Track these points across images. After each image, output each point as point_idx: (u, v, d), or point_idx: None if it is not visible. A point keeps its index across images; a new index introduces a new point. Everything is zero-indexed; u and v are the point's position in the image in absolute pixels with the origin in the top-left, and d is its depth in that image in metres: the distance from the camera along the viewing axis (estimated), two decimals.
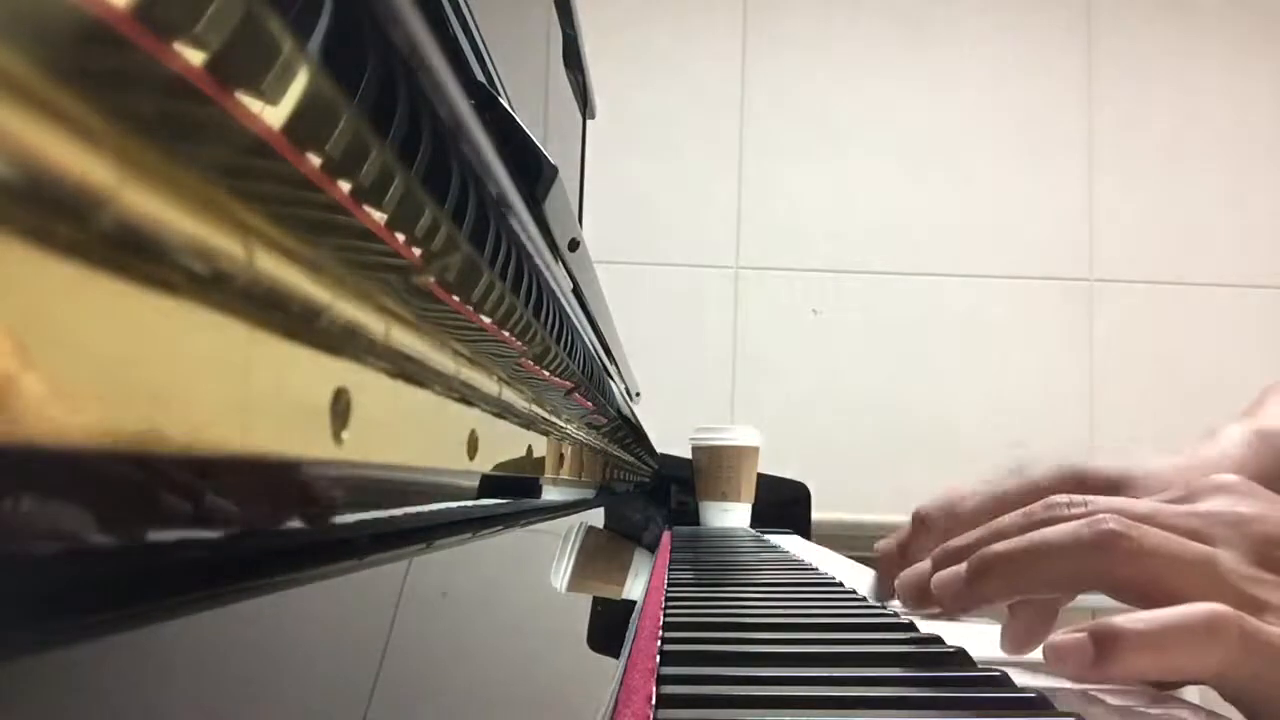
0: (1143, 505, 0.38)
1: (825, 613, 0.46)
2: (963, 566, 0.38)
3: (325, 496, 0.21)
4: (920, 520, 0.52)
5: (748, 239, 2.17)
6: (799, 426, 2.05)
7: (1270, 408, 0.56)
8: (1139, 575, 0.34)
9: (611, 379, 0.66)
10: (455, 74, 0.21)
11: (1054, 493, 0.44)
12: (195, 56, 0.12)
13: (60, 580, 0.12)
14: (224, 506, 0.16)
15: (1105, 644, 0.32)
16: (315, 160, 0.17)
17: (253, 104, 0.14)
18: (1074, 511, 0.37)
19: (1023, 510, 0.39)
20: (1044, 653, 0.34)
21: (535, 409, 0.46)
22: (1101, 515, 0.35)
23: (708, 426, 1.24)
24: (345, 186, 0.18)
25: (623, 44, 2.14)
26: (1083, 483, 0.48)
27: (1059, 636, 0.33)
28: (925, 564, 0.41)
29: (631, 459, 1.06)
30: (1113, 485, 0.47)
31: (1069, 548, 0.35)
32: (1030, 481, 0.49)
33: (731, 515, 1.20)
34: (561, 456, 0.58)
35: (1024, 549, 0.36)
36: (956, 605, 0.39)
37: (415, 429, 0.27)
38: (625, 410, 0.79)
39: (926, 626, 0.41)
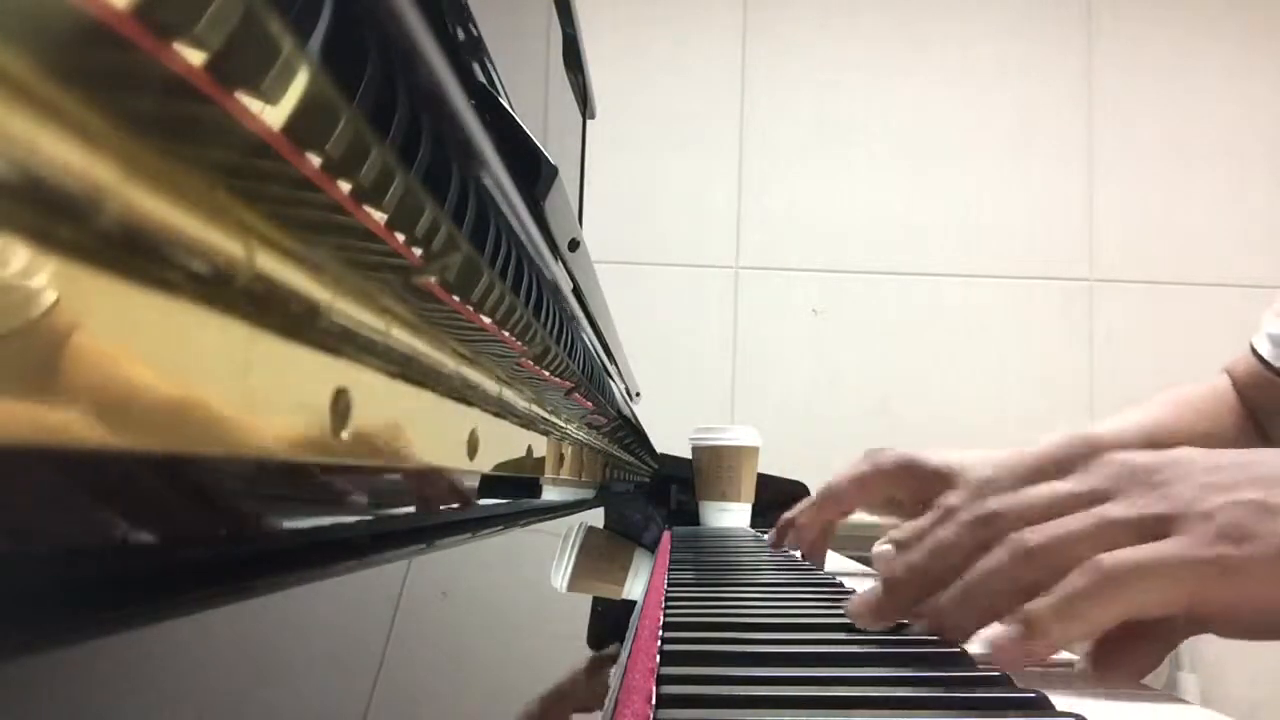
0: (1037, 500, 0.41)
1: (825, 613, 0.46)
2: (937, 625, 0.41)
3: (325, 496, 0.21)
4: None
5: (748, 239, 2.17)
6: (799, 426, 2.05)
7: (1126, 412, 0.78)
8: (1047, 563, 0.38)
9: (611, 379, 0.66)
10: (455, 74, 0.21)
11: (899, 479, 0.68)
12: (195, 56, 0.12)
13: (60, 580, 0.12)
14: (224, 506, 0.16)
15: (1030, 624, 0.37)
16: (315, 160, 0.17)
17: (253, 104, 0.14)
18: (968, 518, 0.42)
19: (934, 538, 0.43)
20: (986, 648, 0.38)
21: (535, 409, 0.46)
22: (1011, 538, 0.40)
23: (708, 426, 1.24)
24: (345, 186, 0.18)
25: (623, 44, 2.14)
26: (917, 471, 0.66)
27: (990, 632, 0.39)
28: (878, 589, 0.44)
29: (631, 459, 1.06)
30: (940, 476, 0.63)
31: (999, 577, 0.40)
32: (876, 468, 0.68)
33: (731, 515, 1.20)
34: (561, 456, 0.58)
35: (966, 600, 0.40)
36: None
37: (415, 429, 0.27)
38: (625, 410, 0.79)
39: None
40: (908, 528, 0.45)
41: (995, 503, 0.42)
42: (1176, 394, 0.83)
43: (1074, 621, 0.37)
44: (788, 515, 0.77)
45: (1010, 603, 0.39)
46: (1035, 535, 0.39)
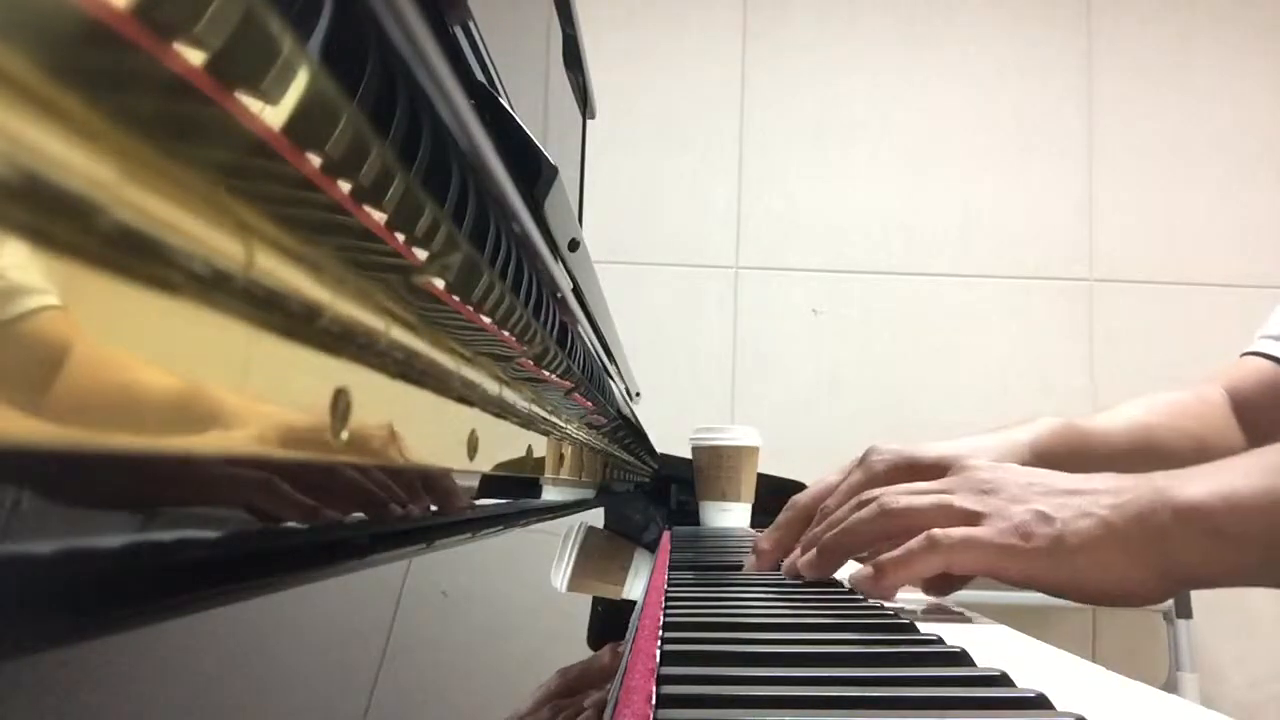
0: (904, 488, 0.59)
1: (825, 613, 0.46)
2: (814, 552, 0.60)
3: (325, 496, 0.21)
4: (791, 506, 0.77)
5: (748, 239, 2.17)
6: (799, 426, 2.05)
7: (1121, 408, 0.84)
8: (899, 523, 0.56)
9: (611, 379, 0.66)
10: (455, 74, 0.21)
11: (891, 479, 0.67)
12: (195, 56, 0.12)
13: (60, 580, 0.12)
14: (224, 506, 0.16)
15: (879, 569, 0.55)
16: (315, 160, 0.17)
17: (253, 104, 0.14)
18: (867, 497, 0.60)
19: (847, 505, 0.61)
20: (849, 582, 0.57)
21: (535, 409, 0.46)
22: (876, 501, 0.58)
23: (708, 426, 1.24)
24: (345, 186, 0.18)
25: (623, 44, 2.14)
26: (914, 466, 0.67)
27: (856, 572, 0.56)
28: (798, 550, 0.63)
29: (631, 459, 1.06)
30: (938, 466, 0.65)
31: (864, 523, 0.58)
32: (872, 472, 0.68)
33: (731, 515, 1.20)
34: (561, 456, 0.58)
35: (839, 535, 0.59)
36: (819, 574, 0.60)
37: (415, 429, 0.27)
38: (625, 410, 0.79)
39: (925, 625, 0.41)
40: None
41: (876, 490, 0.60)
42: (1168, 399, 0.87)
43: (907, 569, 0.54)
44: (766, 538, 0.72)
45: (866, 544, 0.58)
46: (895, 502, 0.57)
